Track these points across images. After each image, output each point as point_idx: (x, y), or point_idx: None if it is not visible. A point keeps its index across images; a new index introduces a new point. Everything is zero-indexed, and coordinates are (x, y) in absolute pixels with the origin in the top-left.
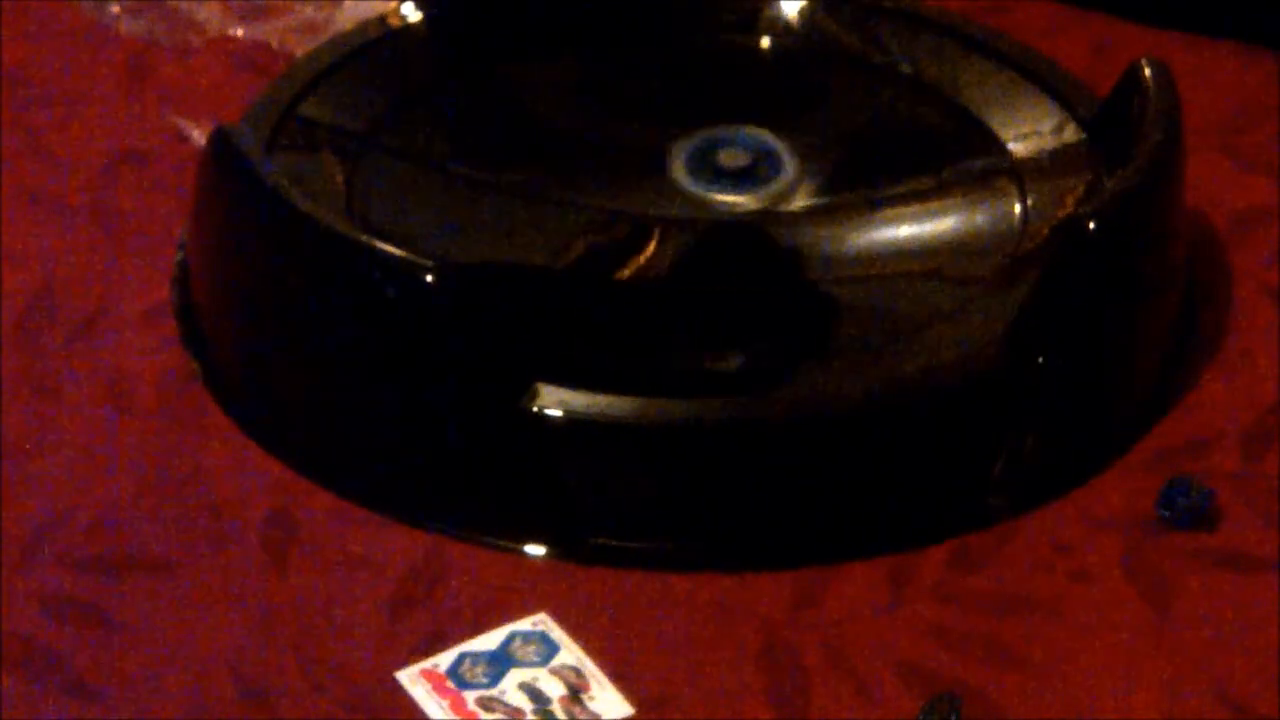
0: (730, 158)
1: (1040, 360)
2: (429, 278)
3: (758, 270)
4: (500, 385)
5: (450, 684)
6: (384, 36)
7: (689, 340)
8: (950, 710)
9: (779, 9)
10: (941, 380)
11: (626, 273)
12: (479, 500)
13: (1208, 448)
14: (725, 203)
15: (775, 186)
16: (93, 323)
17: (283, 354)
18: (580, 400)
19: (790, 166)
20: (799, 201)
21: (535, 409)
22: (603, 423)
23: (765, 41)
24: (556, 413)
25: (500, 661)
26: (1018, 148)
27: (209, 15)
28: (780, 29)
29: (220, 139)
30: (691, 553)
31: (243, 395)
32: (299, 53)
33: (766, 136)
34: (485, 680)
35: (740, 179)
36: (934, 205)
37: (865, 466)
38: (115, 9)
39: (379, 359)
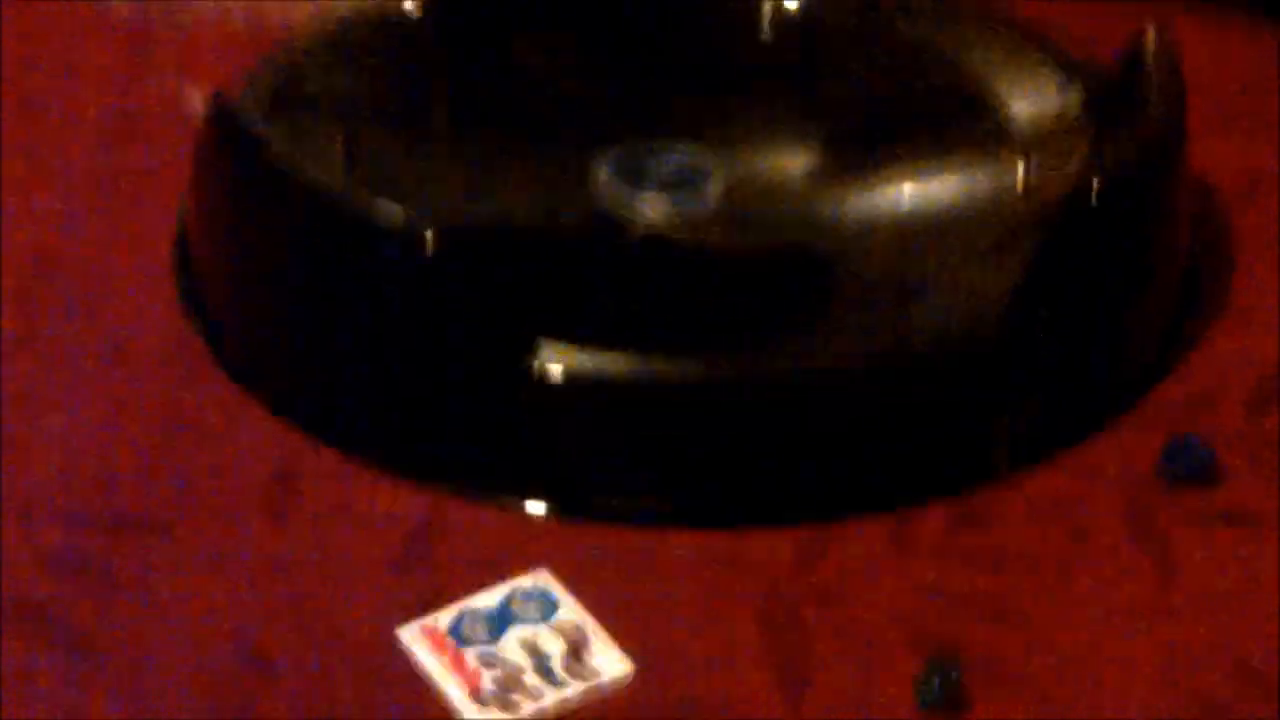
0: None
1: (1043, 323)
2: (428, 239)
3: (763, 230)
4: (501, 343)
5: (450, 641)
6: (380, 5)
7: (692, 298)
8: (951, 668)
9: None
10: (945, 340)
11: (627, 232)
12: (480, 458)
13: (1210, 406)
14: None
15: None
16: (94, 285)
17: (284, 315)
18: (581, 358)
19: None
20: (796, 169)
21: (536, 366)
22: (604, 380)
23: (769, 14)
24: (558, 370)
25: (500, 619)
26: (1022, 116)
27: None
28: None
29: (220, 106)
30: (692, 510)
31: (244, 356)
32: (297, 24)
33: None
34: (486, 637)
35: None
36: (940, 172)
37: (867, 425)
38: None
39: (380, 319)
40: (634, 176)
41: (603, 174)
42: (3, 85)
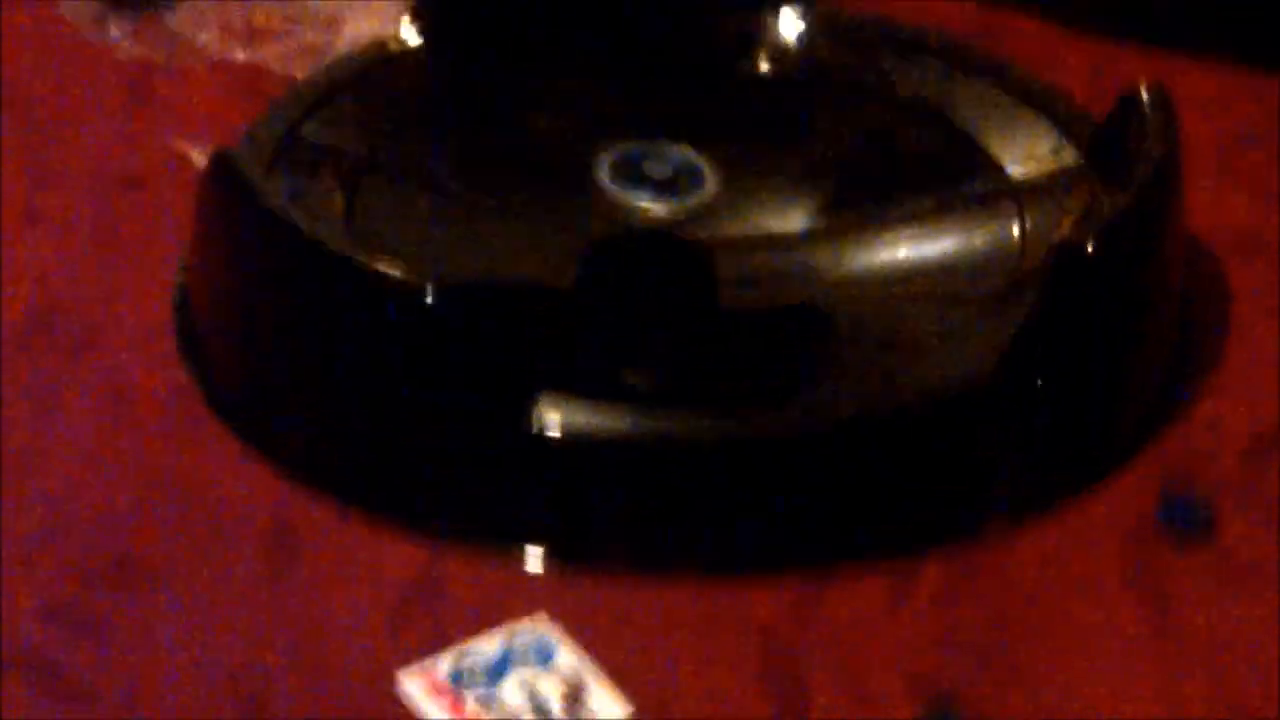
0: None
1: (1039, 377)
2: (429, 296)
3: (758, 285)
4: (500, 398)
5: (449, 686)
6: (383, 60)
7: (689, 355)
8: (949, 717)
9: (776, 32)
10: (942, 395)
11: (624, 288)
12: (479, 512)
13: (1207, 459)
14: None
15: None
16: (93, 339)
17: (284, 372)
18: (579, 411)
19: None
20: (790, 221)
21: (536, 422)
22: (602, 434)
23: (763, 65)
24: (556, 424)
25: (499, 664)
26: (1016, 170)
27: (209, 39)
28: (778, 52)
29: (220, 161)
30: (691, 558)
31: (243, 407)
32: (299, 76)
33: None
34: (484, 683)
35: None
36: (933, 226)
37: (865, 478)
38: (115, 32)
39: (380, 375)
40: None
41: (602, 174)
42: (2, 135)
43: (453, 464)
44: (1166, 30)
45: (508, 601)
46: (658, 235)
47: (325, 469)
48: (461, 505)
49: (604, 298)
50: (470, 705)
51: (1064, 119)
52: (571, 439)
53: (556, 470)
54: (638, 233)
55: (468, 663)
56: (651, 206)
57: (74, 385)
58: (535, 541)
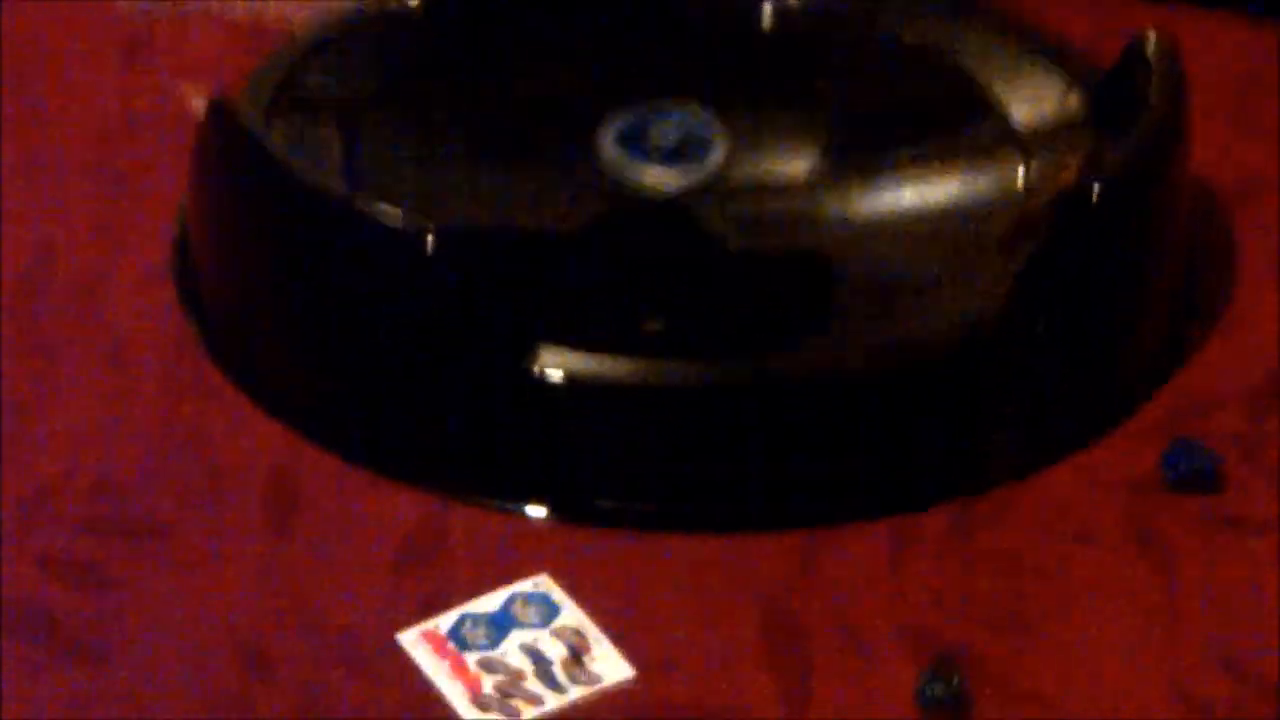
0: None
1: (1043, 325)
2: (429, 241)
3: (763, 234)
4: (501, 347)
5: (451, 645)
6: (383, 9)
7: (692, 302)
8: (953, 673)
9: None
10: (945, 344)
11: (628, 236)
12: (480, 462)
13: (1212, 411)
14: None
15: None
16: (93, 286)
17: (282, 318)
18: (582, 362)
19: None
20: (797, 170)
21: (536, 370)
22: (604, 384)
23: (768, 13)
24: (558, 374)
25: (501, 623)
26: (1022, 117)
27: None
28: (784, 3)
29: (219, 107)
30: (693, 515)
31: (243, 359)
32: (297, 24)
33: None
34: (486, 642)
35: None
36: (938, 174)
37: (868, 429)
38: None
39: (380, 322)
40: (636, 145)
41: (607, 142)
42: (2, 84)
43: (454, 415)
44: None
45: (509, 556)
46: (667, 204)
47: (326, 420)
48: (463, 458)
49: (612, 247)
50: (472, 666)
51: (1070, 67)
52: (573, 388)
53: (558, 420)
54: (649, 202)
55: (469, 623)
56: (657, 173)
57: (74, 335)
58: (537, 495)
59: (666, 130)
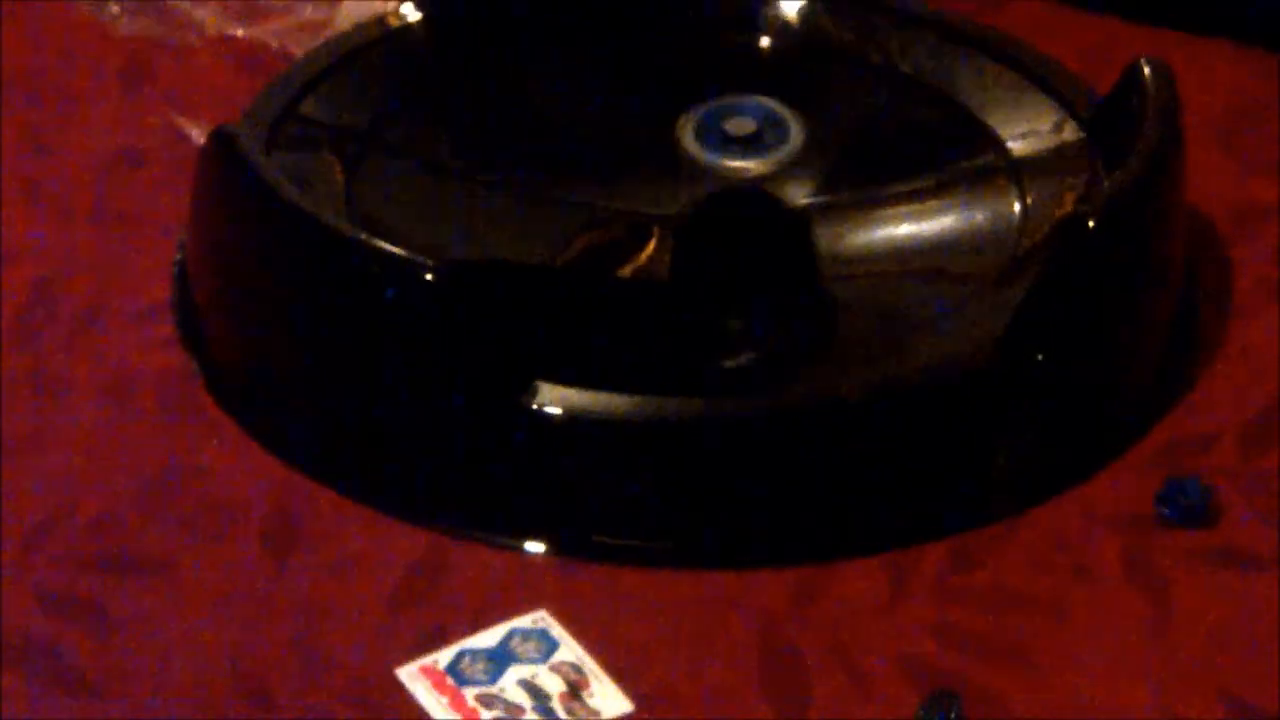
0: (733, 129)
1: (1040, 357)
2: (429, 276)
3: (756, 270)
4: (500, 383)
5: (450, 681)
6: (383, 36)
7: (688, 338)
8: (949, 707)
9: (778, 8)
10: (941, 377)
11: (626, 270)
12: (479, 497)
13: (1208, 445)
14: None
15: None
16: (92, 320)
17: (282, 352)
18: (580, 398)
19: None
20: (790, 199)
21: (535, 406)
22: (602, 420)
23: (764, 40)
24: (556, 410)
25: (500, 658)
26: (1017, 146)
27: (208, 15)
28: (779, 28)
29: (219, 138)
30: (691, 549)
31: (242, 393)
32: (298, 53)
33: (771, 108)
34: (485, 677)
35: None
36: (934, 203)
37: (865, 463)
38: (114, 8)
39: (379, 357)
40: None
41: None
42: (2, 112)
43: (453, 451)
44: (1167, 7)
45: (508, 592)
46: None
47: (325, 455)
48: (462, 494)
49: (611, 283)
50: (470, 701)
51: (1066, 95)
52: (571, 424)
53: (556, 456)
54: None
55: (468, 658)
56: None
57: (74, 367)
58: (536, 531)
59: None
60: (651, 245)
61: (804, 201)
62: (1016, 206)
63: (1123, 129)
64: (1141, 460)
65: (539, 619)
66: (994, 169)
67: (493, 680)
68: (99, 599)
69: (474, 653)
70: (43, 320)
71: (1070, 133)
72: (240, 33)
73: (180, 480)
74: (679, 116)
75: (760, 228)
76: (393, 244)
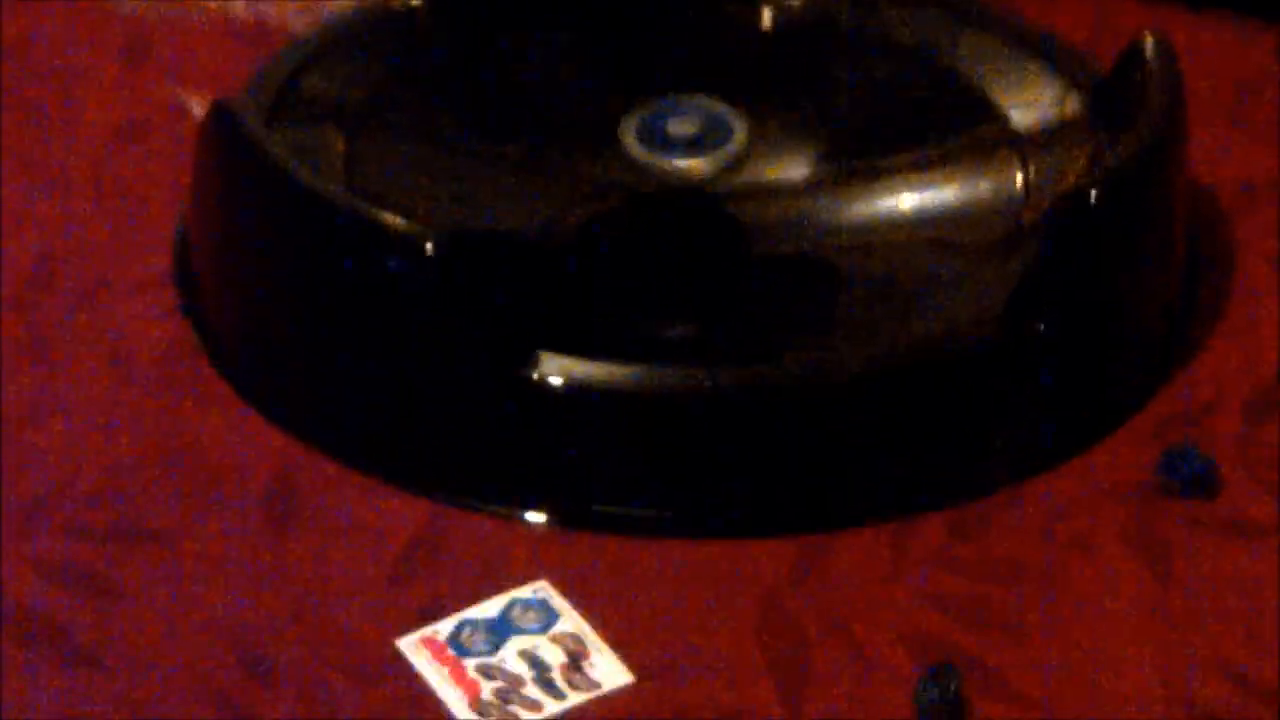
0: (699, 124)
1: (1041, 329)
2: (429, 246)
3: (759, 238)
4: (500, 353)
5: (450, 651)
6: (384, 13)
7: (689, 308)
8: (950, 679)
9: None
10: (942, 348)
11: (625, 239)
12: (479, 468)
13: (1209, 415)
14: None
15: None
16: (93, 292)
17: (283, 323)
18: (580, 368)
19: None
20: (793, 173)
21: (536, 376)
22: (603, 390)
23: (766, 14)
24: (557, 380)
25: (500, 629)
26: (1020, 119)
27: None
28: (782, 4)
29: (220, 111)
30: (692, 520)
31: (243, 364)
32: (298, 28)
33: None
34: (485, 648)
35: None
36: (937, 176)
37: (865, 434)
38: None
39: (379, 328)
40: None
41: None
42: (3, 87)
43: (453, 420)
44: None
45: (508, 562)
46: (685, 196)
47: (325, 425)
48: (462, 464)
49: (611, 253)
50: (471, 671)
51: (1068, 70)
52: (572, 394)
53: (557, 426)
54: (663, 194)
55: (468, 629)
56: (672, 165)
57: (74, 340)
58: (536, 501)
59: (681, 124)
60: (650, 214)
61: (808, 176)
62: (1019, 180)
63: (1125, 103)
64: (1142, 431)
65: (539, 590)
66: (997, 143)
67: (493, 651)
68: (99, 570)
69: (474, 623)
70: (43, 292)
71: (1073, 107)
72: (241, 8)
73: (180, 451)
74: (670, 89)
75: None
76: (393, 216)
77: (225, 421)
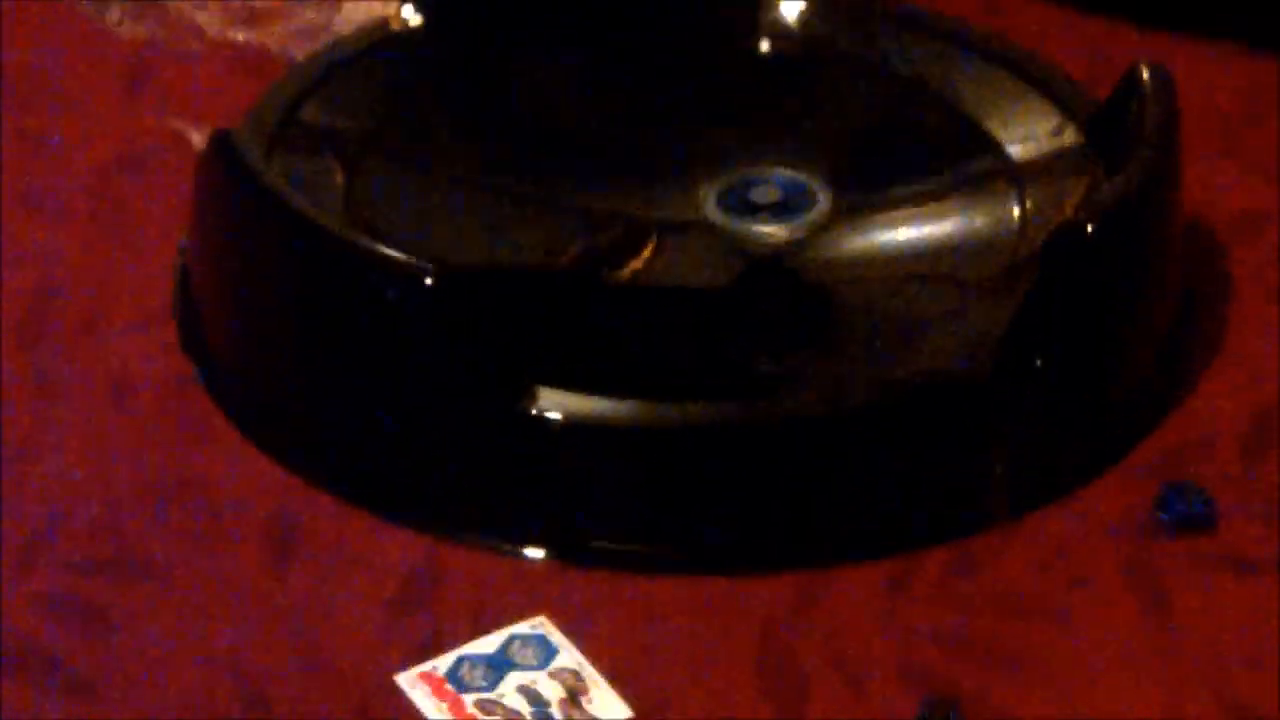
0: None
1: (1038, 363)
2: (428, 280)
3: (754, 271)
4: (499, 388)
5: (449, 687)
6: (384, 40)
7: (688, 343)
8: (948, 712)
9: (777, 12)
10: (940, 383)
11: (625, 275)
12: (478, 503)
13: (1207, 450)
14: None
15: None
16: (92, 325)
17: (282, 357)
18: (579, 403)
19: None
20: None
21: (534, 411)
22: (602, 426)
23: (764, 44)
24: (555, 415)
25: (499, 664)
26: (1016, 151)
27: (209, 19)
28: (778, 32)
29: (220, 142)
30: (690, 555)
31: (242, 398)
32: (299, 56)
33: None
34: (484, 683)
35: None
36: (933, 208)
37: (864, 469)
38: (115, 12)
39: (379, 362)
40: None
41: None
42: (2, 116)
43: (452, 455)
44: (1166, 10)
45: (507, 598)
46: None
47: (325, 461)
48: (461, 499)
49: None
50: (470, 707)
51: (1064, 99)
52: (571, 430)
53: (556, 462)
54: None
55: (467, 664)
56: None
57: (73, 373)
58: (535, 537)
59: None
60: (650, 248)
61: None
62: (1016, 212)
63: (1122, 133)
64: (1140, 466)
65: (538, 625)
66: (993, 174)
67: (492, 686)
68: (97, 603)
69: (473, 659)
70: (42, 324)
71: (1069, 137)
72: (241, 36)
73: (179, 485)
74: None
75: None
76: (393, 248)
77: (224, 456)
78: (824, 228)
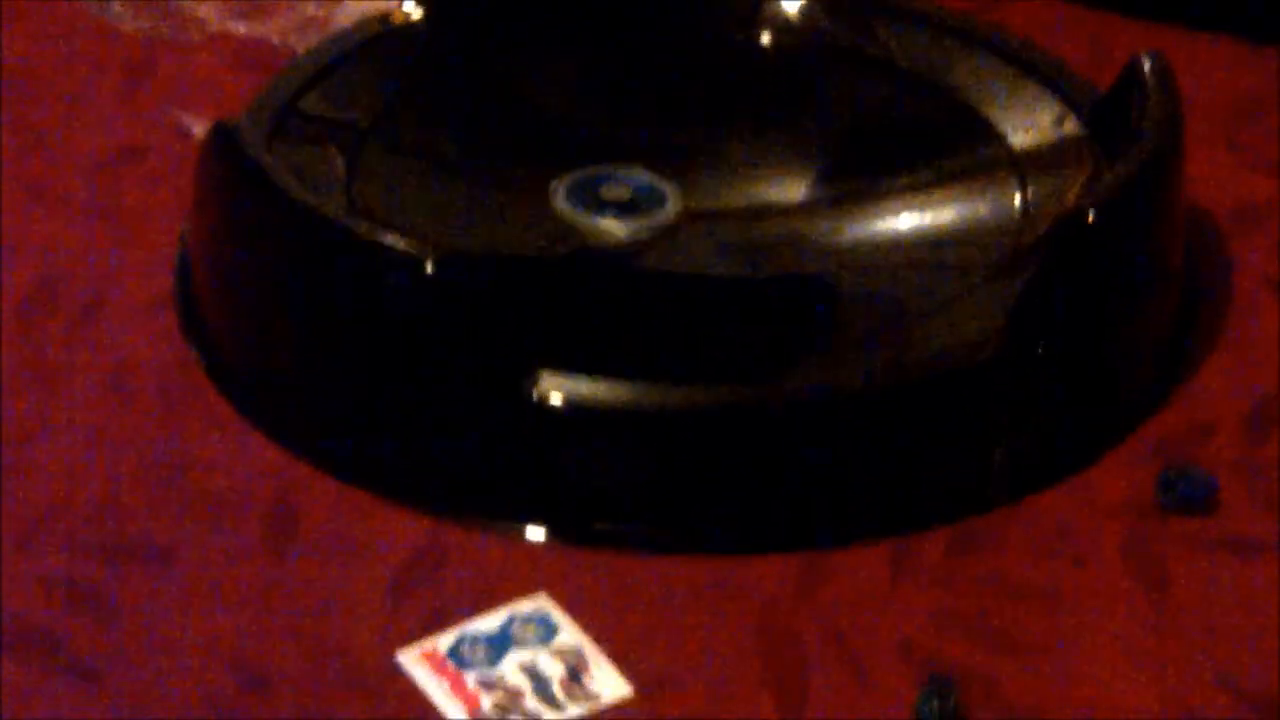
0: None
1: (1040, 348)
2: (429, 266)
3: (760, 257)
4: (500, 371)
5: (450, 665)
6: (384, 32)
7: (690, 326)
8: (949, 693)
9: (779, 6)
10: (943, 367)
11: (625, 258)
12: (480, 484)
13: (1207, 434)
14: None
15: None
16: (94, 313)
17: (283, 342)
18: (580, 385)
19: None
20: (792, 193)
21: (536, 394)
22: (603, 407)
23: (766, 37)
24: (557, 398)
25: (500, 642)
26: (1018, 141)
27: (210, 12)
28: (781, 25)
29: (221, 133)
30: (691, 536)
31: (243, 382)
32: (299, 49)
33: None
34: (485, 661)
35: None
36: (936, 197)
37: (865, 452)
38: (117, 5)
39: (380, 347)
40: (590, 199)
41: (559, 196)
42: (2, 111)
43: (453, 437)
44: (1167, 4)
45: (508, 577)
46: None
47: (326, 443)
48: (462, 480)
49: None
50: (471, 685)
51: (1066, 90)
52: (572, 412)
53: (556, 442)
54: None
55: (468, 641)
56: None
57: (76, 360)
58: (536, 517)
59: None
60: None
61: (807, 197)
62: (1017, 200)
63: (1123, 124)
64: (1141, 449)
65: (539, 604)
66: (995, 163)
67: (493, 664)
68: (100, 587)
69: (474, 637)
70: (44, 312)
71: (1071, 128)
72: (242, 29)
73: (181, 468)
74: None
75: None
76: (393, 236)
77: (225, 439)
78: (830, 211)
